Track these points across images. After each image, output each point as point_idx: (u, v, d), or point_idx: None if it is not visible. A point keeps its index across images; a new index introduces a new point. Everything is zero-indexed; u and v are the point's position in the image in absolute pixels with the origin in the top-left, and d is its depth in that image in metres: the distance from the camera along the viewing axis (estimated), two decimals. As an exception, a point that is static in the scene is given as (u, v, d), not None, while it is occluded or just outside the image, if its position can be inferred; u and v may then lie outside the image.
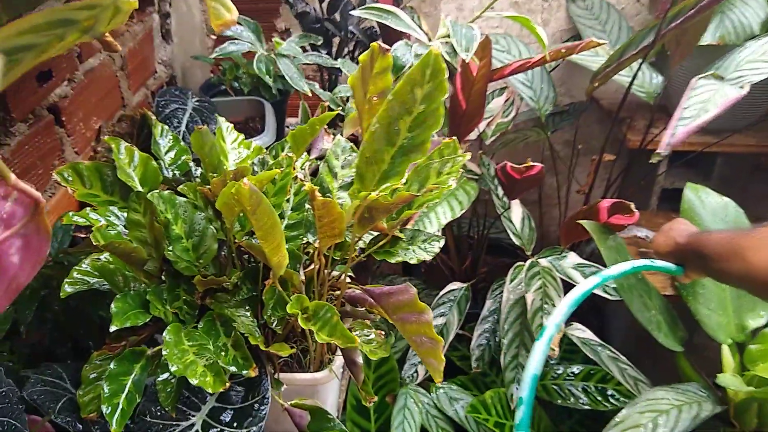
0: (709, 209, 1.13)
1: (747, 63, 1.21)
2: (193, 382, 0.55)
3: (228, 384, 0.57)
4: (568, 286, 1.37)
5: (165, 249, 0.69)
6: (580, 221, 1.18)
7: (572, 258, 1.44)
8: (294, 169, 0.69)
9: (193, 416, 0.63)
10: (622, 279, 1.14)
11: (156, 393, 0.62)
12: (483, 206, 1.70)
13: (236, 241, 0.67)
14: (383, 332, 0.68)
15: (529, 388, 0.69)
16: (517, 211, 1.47)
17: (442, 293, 1.48)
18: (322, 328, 0.57)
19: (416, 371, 1.36)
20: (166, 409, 0.62)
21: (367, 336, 0.70)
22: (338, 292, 0.69)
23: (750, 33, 1.33)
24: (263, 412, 0.63)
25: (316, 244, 0.68)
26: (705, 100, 1.09)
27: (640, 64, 1.20)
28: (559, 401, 1.38)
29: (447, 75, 0.51)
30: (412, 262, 0.73)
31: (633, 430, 1.07)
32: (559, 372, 1.41)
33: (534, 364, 0.72)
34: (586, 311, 1.89)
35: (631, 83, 1.22)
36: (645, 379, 1.18)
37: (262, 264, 0.71)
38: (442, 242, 0.75)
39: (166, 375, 0.63)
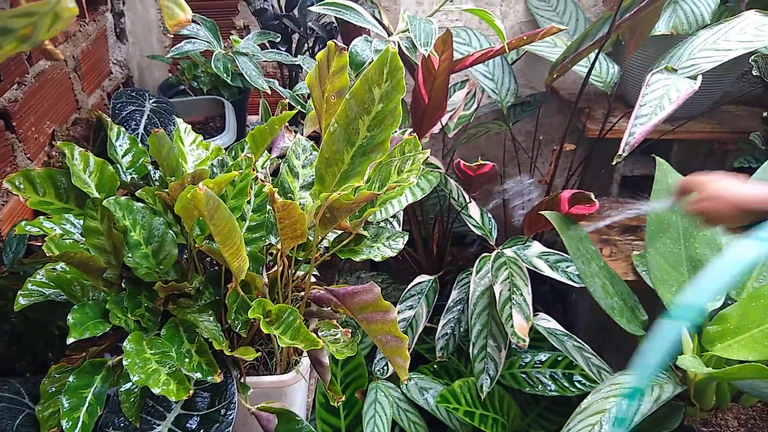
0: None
1: (699, 52, 1.23)
2: (156, 391, 0.54)
3: (192, 391, 0.56)
4: (533, 276, 1.39)
5: (124, 256, 0.68)
6: (542, 212, 1.19)
7: (536, 247, 1.46)
8: (254, 169, 0.68)
9: (158, 425, 0.62)
10: (585, 266, 1.15)
11: (119, 404, 0.61)
12: (447, 200, 1.71)
13: (196, 245, 0.66)
14: (350, 330, 0.68)
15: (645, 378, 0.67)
16: (474, 207, 1.49)
17: (410, 286, 1.49)
18: (285, 331, 0.57)
19: (386, 365, 1.37)
20: (130, 419, 0.61)
21: (334, 336, 0.70)
22: (303, 294, 0.69)
23: (702, 22, 1.36)
24: (230, 417, 0.63)
25: (279, 246, 0.67)
26: (660, 96, 1.11)
27: (597, 55, 1.21)
28: (527, 389, 1.40)
29: (404, 72, 0.51)
30: (377, 259, 0.73)
31: (598, 415, 1.09)
32: (527, 360, 1.43)
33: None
34: (551, 299, 1.92)
35: (589, 73, 1.24)
36: (608, 368, 1.21)
37: (224, 267, 0.70)
38: (405, 238, 0.75)
39: (128, 385, 0.62)
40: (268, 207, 0.71)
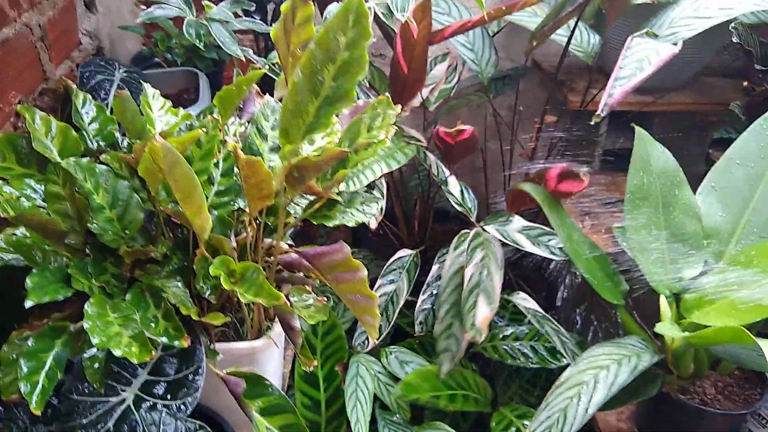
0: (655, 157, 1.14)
1: (681, 20, 1.22)
2: (117, 353, 0.53)
3: (155, 353, 0.55)
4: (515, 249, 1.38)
5: (89, 221, 0.66)
6: (522, 186, 1.19)
7: (518, 222, 1.45)
8: (221, 131, 0.66)
9: (124, 391, 0.61)
10: (572, 247, 1.15)
11: (83, 370, 0.60)
12: (427, 176, 1.69)
13: (162, 209, 0.64)
14: (325, 298, 0.66)
15: None
16: (453, 182, 1.48)
17: (391, 260, 1.48)
18: (248, 289, 0.55)
19: (366, 339, 1.36)
20: (95, 386, 0.59)
21: (306, 301, 0.68)
22: (273, 258, 0.67)
23: (683, -10, 1.34)
24: (198, 383, 0.61)
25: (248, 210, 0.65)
26: (640, 59, 1.10)
27: (576, 23, 1.20)
28: (509, 361, 1.40)
29: (371, 19, 0.49)
30: (350, 224, 0.72)
31: (576, 388, 1.09)
32: (508, 333, 1.43)
33: None
34: (534, 274, 1.92)
35: (569, 41, 1.22)
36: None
37: (192, 233, 0.68)
38: (381, 203, 0.74)
39: (92, 351, 0.60)
40: (237, 171, 0.69)
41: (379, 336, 1.38)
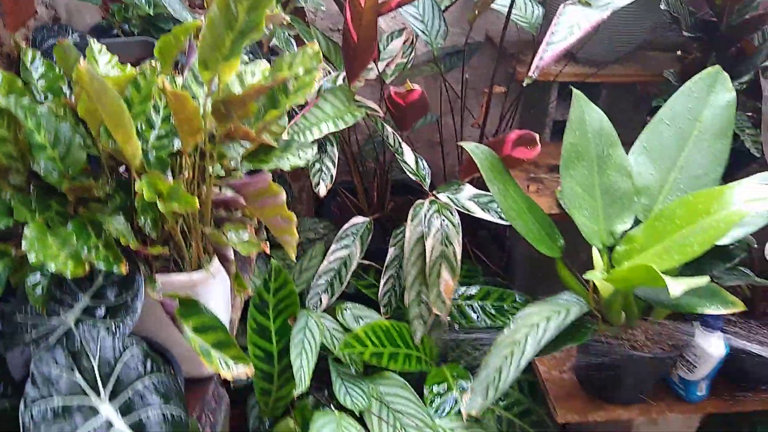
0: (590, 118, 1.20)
1: (615, -10, 1.29)
2: (52, 268, 0.57)
3: (88, 268, 0.59)
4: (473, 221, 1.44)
5: (33, 162, 0.70)
6: (461, 143, 1.24)
7: (468, 190, 1.51)
8: (158, 77, 0.70)
9: (66, 313, 0.65)
10: (507, 204, 1.20)
11: (26, 295, 0.64)
12: (385, 148, 1.75)
13: (103, 148, 0.69)
14: (256, 229, 0.71)
15: None
16: (408, 151, 1.53)
17: (346, 226, 1.53)
18: (170, 201, 0.60)
19: (320, 299, 1.41)
20: (38, 310, 0.64)
21: (242, 237, 0.73)
22: (206, 191, 0.72)
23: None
24: (136, 306, 0.66)
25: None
26: (571, 25, 1.16)
27: (517, -6, 1.26)
28: (462, 321, 1.46)
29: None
30: (286, 168, 0.77)
31: (509, 348, 1.17)
32: (459, 293, 1.49)
33: None
34: (491, 245, 1.99)
35: (510, 10, 1.28)
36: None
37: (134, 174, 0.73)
38: (315, 148, 0.78)
39: (35, 278, 0.64)
40: (176, 115, 0.74)
41: (332, 296, 1.44)
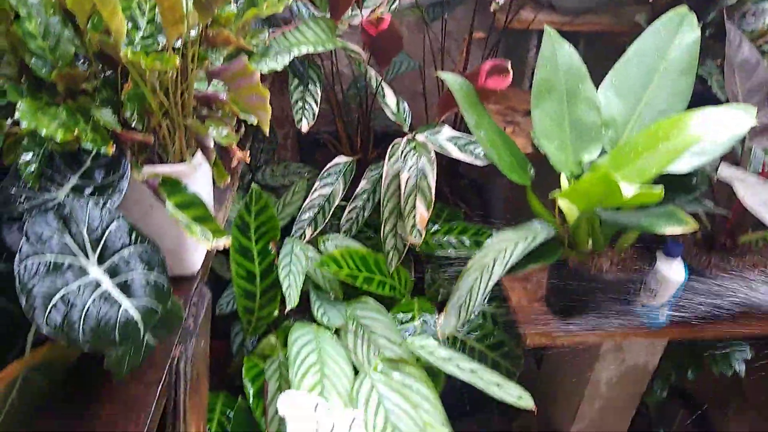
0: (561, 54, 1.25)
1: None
2: (43, 133, 0.62)
3: (75, 134, 0.64)
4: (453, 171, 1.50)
5: (23, 54, 0.74)
6: (445, 77, 1.29)
7: (446, 131, 1.56)
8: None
9: (57, 190, 0.70)
10: (481, 132, 1.25)
11: (18, 172, 0.69)
12: (365, 93, 1.79)
13: (91, 41, 0.73)
14: (236, 128, 0.76)
15: None
16: (389, 93, 1.58)
17: (329, 165, 1.58)
18: (152, 60, 0.65)
19: (304, 232, 1.47)
20: (30, 186, 0.69)
21: (221, 132, 0.78)
22: (187, 84, 0.76)
23: None
24: (122, 186, 0.71)
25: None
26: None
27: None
28: (439, 252, 1.52)
29: None
30: (264, 71, 0.81)
31: (479, 271, 1.23)
32: (437, 228, 1.55)
33: None
34: (469, 194, 2.05)
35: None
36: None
37: (120, 71, 0.77)
38: (293, 53, 0.83)
39: (27, 156, 0.69)
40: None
41: (316, 229, 1.49)
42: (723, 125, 1.09)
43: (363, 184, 1.61)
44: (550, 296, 1.38)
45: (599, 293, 1.28)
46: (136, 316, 0.64)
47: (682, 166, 1.14)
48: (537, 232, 1.27)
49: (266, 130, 0.69)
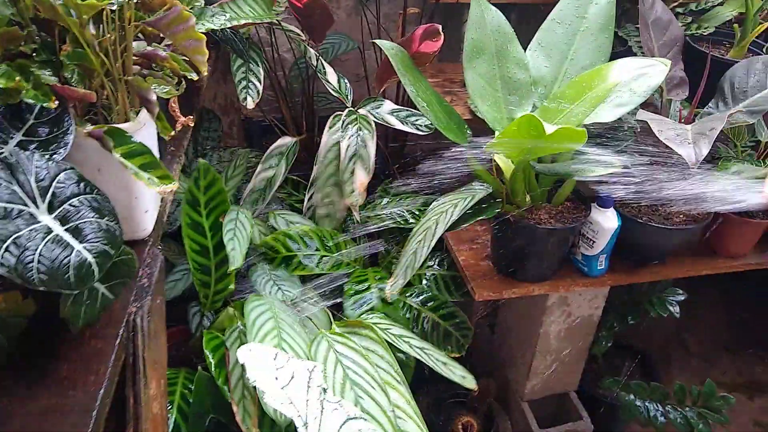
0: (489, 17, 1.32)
1: None
2: (1, 84, 0.64)
3: (17, 83, 0.66)
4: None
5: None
6: (376, 41, 1.34)
7: (388, 105, 1.61)
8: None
9: (2, 148, 0.71)
10: (419, 95, 1.30)
11: (-38, 130, 0.70)
12: (308, 77, 1.83)
13: (27, 6, 0.75)
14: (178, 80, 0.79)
15: None
16: (330, 71, 1.62)
17: (272, 146, 1.61)
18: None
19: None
20: (-26, 143, 0.70)
21: (164, 89, 0.81)
22: (127, 49, 0.79)
23: None
24: (67, 141, 0.73)
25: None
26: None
27: None
28: (389, 223, 1.57)
29: None
30: (201, 31, 0.84)
31: (423, 233, 1.29)
32: (387, 201, 1.60)
33: None
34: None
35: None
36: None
37: (57, 34, 0.79)
38: (228, 15, 0.86)
39: (-30, 114, 0.70)
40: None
41: (254, 211, 1.53)
42: (640, 72, 1.17)
43: (316, 169, 1.64)
44: (494, 253, 1.45)
45: (539, 246, 1.35)
46: (89, 258, 0.66)
47: (606, 115, 1.22)
48: (475, 193, 1.33)
49: (204, 70, 0.72)
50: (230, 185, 1.50)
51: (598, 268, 1.42)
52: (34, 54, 0.78)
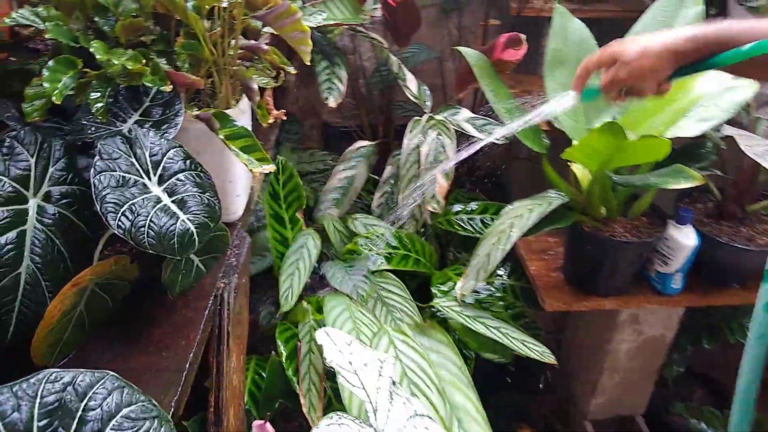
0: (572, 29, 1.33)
1: None
2: (115, 62, 0.71)
3: (144, 64, 0.73)
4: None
5: (90, 10, 0.84)
6: (464, 51, 1.37)
7: (465, 113, 1.64)
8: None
9: (123, 124, 0.79)
10: (498, 101, 1.33)
11: (89, 108, 0.78)
12: (388, 87, 1.88)
13: (148, 3, 0.83)
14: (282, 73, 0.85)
15: None
16: (410, 77, 1.67)
17: (351, 148, 1.67)
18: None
19: (328, 213, 1.56)
20: (99, 119, 0.78)
21: (264, 80, 0.87)
22: (234, 39, 0.85)
23: None
24: (177, 122, 0.80)
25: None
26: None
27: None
28: (460, 231, 1.59)
29: None
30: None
31: (496, 236, 1.30)
32: (459, 209, 1.62)
33: None
34: (490, 186, 2.12)
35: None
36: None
37: (174, 26, 0.87)
38: (325, 14, 0.92)
39: (96, 94, 0.78)
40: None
41: (339, 209, 1.58)
42: (727, 86, 1.15)
43: (388, 169, 1.69)
44: (566, 264, 1.44)
45: (613, 259, 1.33)
46: (192, 227, 0.72)
47: (690, 130, 1.21)
48: (551, 200, 1.33)
49: (307, 60, 0.78)
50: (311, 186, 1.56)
51: (673, 286, 1.39)
52: (152, 44, 0.86)
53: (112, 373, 0.47)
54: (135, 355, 0.79)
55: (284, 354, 1.27)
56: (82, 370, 0.46)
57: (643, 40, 0.83)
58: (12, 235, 0.69)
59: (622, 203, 1.35)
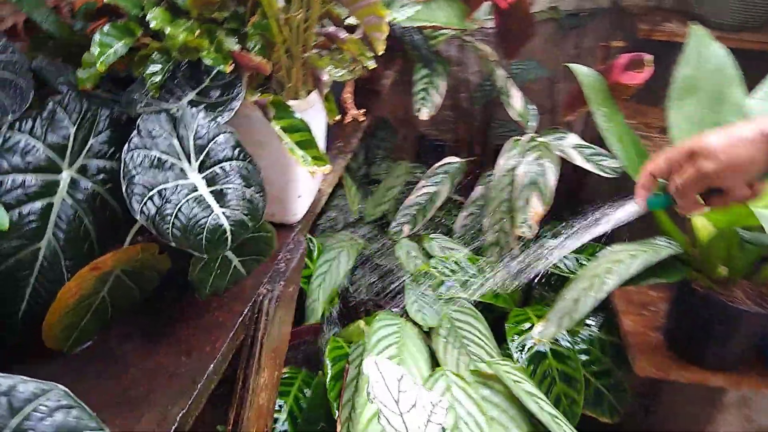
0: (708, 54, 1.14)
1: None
2: (170, 30, 0.65)
3: (197, 36, 0.66)
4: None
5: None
6: (569, 65, 1.22)
7: (572, 138, 1.48)
8: None
9: (176, 104, 0.72)
10: (610, 126, 1.17)
11: (144, 83, 0.72)
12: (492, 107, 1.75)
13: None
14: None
15: None
16: (516, 94, 1.52)
17: (437, 165, 1.55)
18: None
19: (401, 229, 1.45)
20: (152, 95, 0.72)
21: (338, 72, 0.78)
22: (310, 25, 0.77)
23: None
24: (234, 106, 0.72)
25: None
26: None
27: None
28: (550, 268, 1.43)
29: None
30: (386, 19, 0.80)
31: (589, 281, 1.13)
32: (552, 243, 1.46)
33: None
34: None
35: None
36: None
37: (251, 5, 0.80)
38: (415, 9, 0.82)
39: (154, 67, 0.72)
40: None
41: (414, 227, 1.46)
42: None
43: (478, 190, 1.56)
44: (669, 325, 1.24)
45: (728, 328, 1.13)
46: (225, 224, 0.64)
47: None
48: (660, 249, 1.15)
49: (379, 50, 0.67)
50: (390, 195, 1.46)
51: (802, 372, 1.15)
52: (225, 22, 0.80)
53: (61, 387, 0.38)
54: (153, 354, 0.71)
55: (329, 374, 1.17)
56: (27, 378, 0.38)
57: (728, 129, 0.68)
58: (37, 205, 0.63)
59: (749, 263, 1.13)
